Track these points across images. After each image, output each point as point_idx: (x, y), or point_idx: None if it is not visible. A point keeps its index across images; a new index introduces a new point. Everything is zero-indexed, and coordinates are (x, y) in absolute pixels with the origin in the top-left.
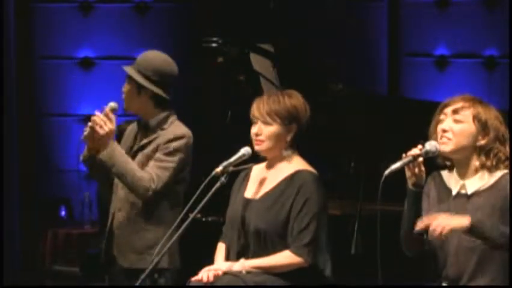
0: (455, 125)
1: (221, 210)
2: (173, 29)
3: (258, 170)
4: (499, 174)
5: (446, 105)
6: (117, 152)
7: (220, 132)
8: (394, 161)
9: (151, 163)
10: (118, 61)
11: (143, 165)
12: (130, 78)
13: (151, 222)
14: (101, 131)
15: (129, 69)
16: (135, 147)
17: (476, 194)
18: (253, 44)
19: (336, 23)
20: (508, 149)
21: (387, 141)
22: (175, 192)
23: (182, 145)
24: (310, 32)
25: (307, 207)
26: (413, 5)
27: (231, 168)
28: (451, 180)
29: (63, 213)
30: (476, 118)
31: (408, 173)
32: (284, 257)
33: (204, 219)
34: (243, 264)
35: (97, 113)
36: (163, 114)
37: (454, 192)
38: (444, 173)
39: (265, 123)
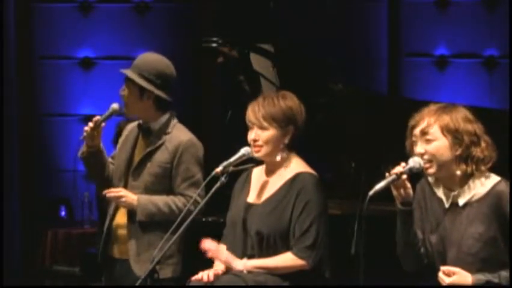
0: (428, 146)
1: (221, 210)
2: (173, 29)
3: (258, 173)
4: (490, 183)
5: (413, 127)
6: (146, 206)
7: (220, 132)
8: (394, 161)
9: (181, 185)
10: (118, 61)
11: (156, 176)
12: (131, 83)
13: (167, 232)
14: (122, 203)
15: (130, 73)
16: (138, 152)
17: (468, 204)
18: (253, 44)
19: (336, 23)
20: (483, 145)
21: (387, 141)
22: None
23: (193, 151)
24: (310, 32)
25: (307, 210)
26: (413, 5)
27: (231, 168)
28: (440, 191)
29: (63, 213)
30: (444, 130)
31: (394, 192)
32: (286, 259)
33: (204, 219)
34: (244, 264)
35: (97, 117)
36: (164, 118)
37: (446, 205)
38: (432, 181)
39: (262, 128)
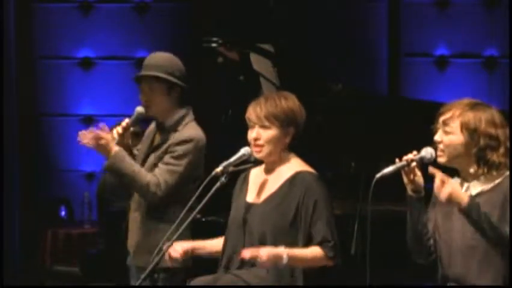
0: (445, 137)
1: (221, 210)
2: (173, 29)
3: (256, 174)
4: (503, 177)
5: (440, 114)
6: (120, 158)
7: (220, 132)
8: (394, 161)
9: (160, 165)
10: (118, 61)
11: (154, 166)
12: (156, 82)
13: (164, 222)
14: (99, 147)
15: (156, 73)
16: (150, 149)
17: (480, 194)
18: (253, 44)
19: (336, 23)
20: (502, 151)
21: (387, 141)
22: (188, 191)
23: (190, 148)
24: (310, 32)
25: (319, 210)
26: (413, 5)
27: (231, 168)
28: (457, 184)
29: (63, 213)
30: (463, 127)
31: (405, 179)
32: (317, 253)
33: (204, 219)
34: (287, 253)
35: (127, 119)
36: (180, 113)
37: None
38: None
39: (263, 127)
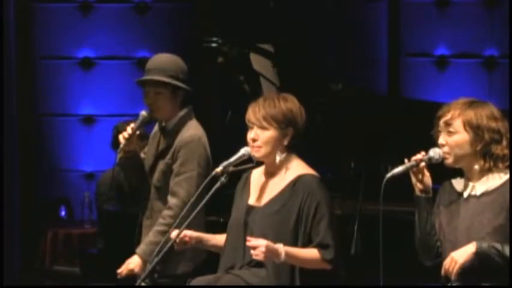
0: (449, 138)
1: (221, 210)
2: (173, 29)
3: (258, 175)
4: (507, 177)
5: (439, 117)
6: (148, 252)
7: (220, 132)
8: (394, 161)
9: (173, 179)
10: (118, 61)
11: (164, 173)
12: (162, 86)
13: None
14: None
15: (161, 78)
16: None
17: (485, 194)
18: (253, 44)
19: (336, 23)
20: (505, 143)
21: (387, 141)
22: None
23: (193, 148)
24: (310, 32)
25: (320, 213)
26: (413, 5)
27: (231, 168)
28: (461, 184)
29: (63, 213)
30: (467, 125)
31: (413, 179)
32: (315, 255)
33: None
34: (284, 251)
35: (132, 124)
36: (179, 115)
37: (465, 195)
38: (455, 181)
39: (262, 128)
